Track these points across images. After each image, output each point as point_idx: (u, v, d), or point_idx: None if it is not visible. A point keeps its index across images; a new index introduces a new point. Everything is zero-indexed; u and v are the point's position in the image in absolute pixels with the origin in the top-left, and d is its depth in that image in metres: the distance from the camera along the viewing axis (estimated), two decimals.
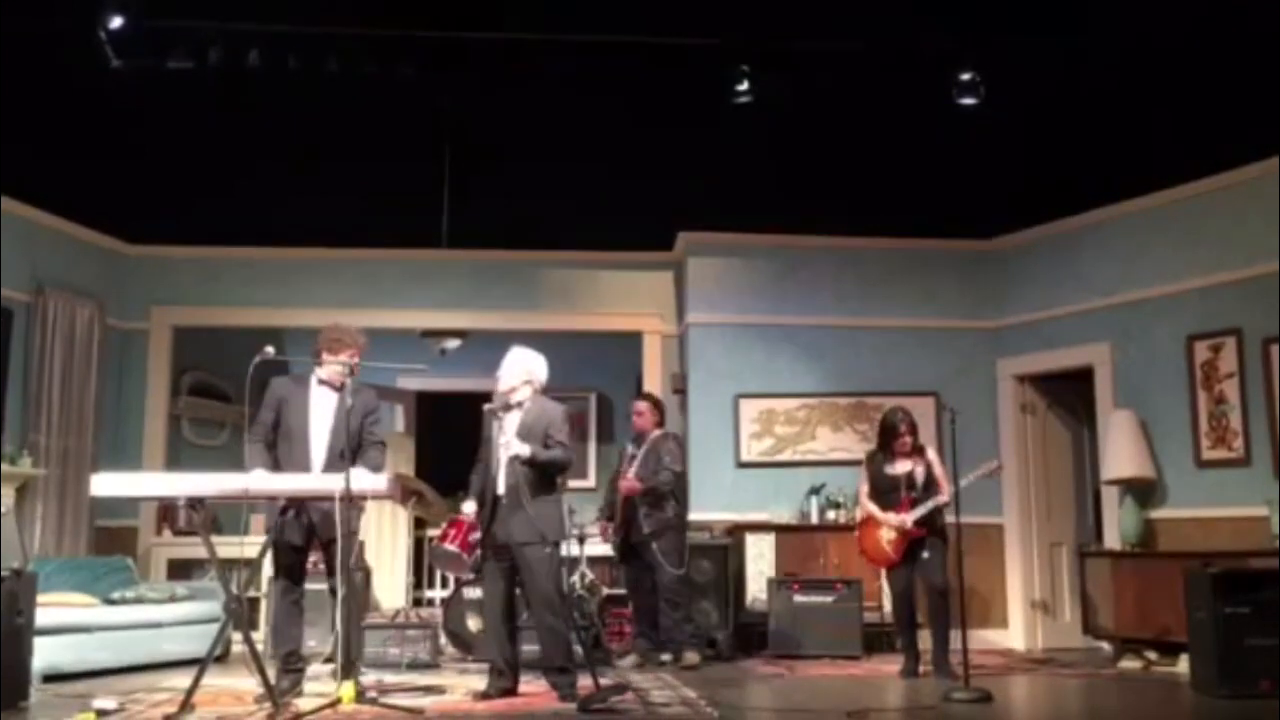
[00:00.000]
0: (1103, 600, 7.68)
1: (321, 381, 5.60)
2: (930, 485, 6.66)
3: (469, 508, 6.00)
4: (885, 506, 6.76)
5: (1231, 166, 7.69)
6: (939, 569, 6.61)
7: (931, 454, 6.83)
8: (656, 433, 7.54)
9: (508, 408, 5.75)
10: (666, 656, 7.28)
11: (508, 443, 5.61)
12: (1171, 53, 6.88)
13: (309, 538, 5.50)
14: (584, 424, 11.16)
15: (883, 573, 7.29)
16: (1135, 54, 7.03)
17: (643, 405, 7.68)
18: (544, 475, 5.68)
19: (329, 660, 5.47)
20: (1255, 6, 6.38)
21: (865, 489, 6.99)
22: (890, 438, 6.83)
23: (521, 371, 5.81)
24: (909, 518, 6.62)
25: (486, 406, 5.80)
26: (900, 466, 6.77)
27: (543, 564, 5.56)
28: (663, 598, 7.25)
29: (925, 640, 6.75)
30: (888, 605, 8.18)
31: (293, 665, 5.54)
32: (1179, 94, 7.11)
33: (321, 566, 5.82)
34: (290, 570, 5.58)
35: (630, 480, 7.34)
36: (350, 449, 5.36)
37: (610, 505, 7.62)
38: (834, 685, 6.51)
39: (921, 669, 6.73)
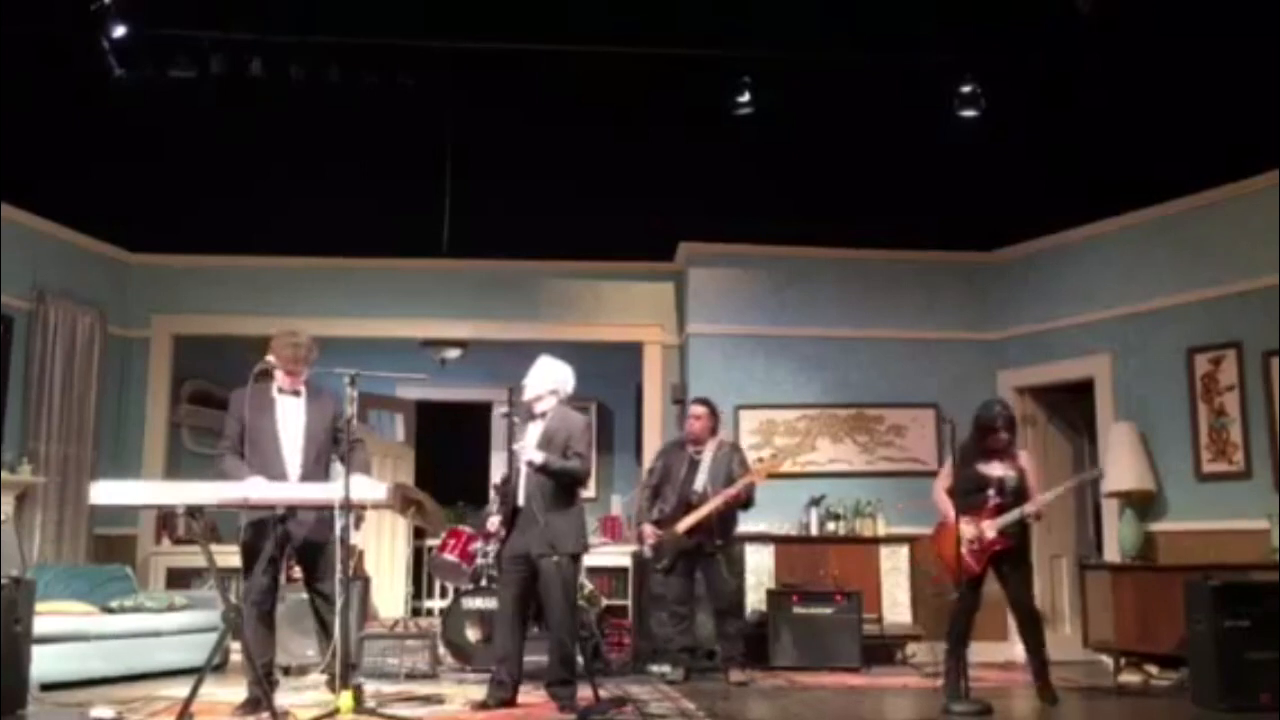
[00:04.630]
0: (1103, 613, 7.65)
1: (281, 390, 5.58)
2: (1021, 494, 6.04)
3: (493, 524, 5.98)
4: (966, 508, 5.95)
5: (1232, 179, 7.71)
6: (1025, 587, 6.15)
7: (1025, 460, 6.24)
8: (715, 440, 7.25)
9: (531, 416, 5.76)
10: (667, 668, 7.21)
11: (525, 450, 5.62)
12: (1172, 65, 6.88)
13: (285, 546, 5.45)
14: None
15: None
16: (1136, 66, 7.04)
17: (700, 409, 7.28)
18: (562, 486, 5.67)
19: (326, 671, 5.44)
20: (1256, 19, 6.39)
21: (944, 485, 6.17)
22: (984, 434, 6.10)
23: (549, 381, 5.80)
24: (990, 527, 5.97)
25: (500, 411, 5.78)
26: (995, 468, 6.07)
27: (555, 575, 5.51)
28: (724, 607, 7.05)
29: (933, 653, 6.72)
30: (888, 617, 8.19)
31: (268, 678, 5.40)
32: (1180, 106, 7.11)
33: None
34: (269, 577, 5.47)
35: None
36: (341, 454, 5.36)
37: (654, 510, 7.15)
38: (833, 697, 6.48)
39: (917, 684, 6.71)
